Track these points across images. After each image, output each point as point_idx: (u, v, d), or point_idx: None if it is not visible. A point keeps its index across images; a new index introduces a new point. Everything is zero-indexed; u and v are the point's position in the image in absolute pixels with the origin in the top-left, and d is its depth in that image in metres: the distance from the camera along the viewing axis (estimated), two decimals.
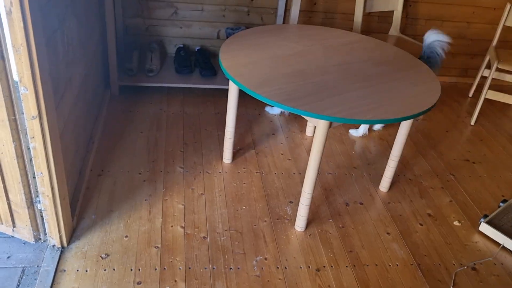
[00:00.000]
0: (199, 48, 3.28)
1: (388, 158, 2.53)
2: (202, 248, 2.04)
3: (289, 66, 2.12)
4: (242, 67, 2.06)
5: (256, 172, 2.51)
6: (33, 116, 1.60)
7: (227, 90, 2.99)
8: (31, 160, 1.74)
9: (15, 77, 1.53)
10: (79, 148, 2.27)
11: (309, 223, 2.21)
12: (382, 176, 2.50)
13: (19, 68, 1.50)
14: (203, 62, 3.16)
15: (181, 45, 3.27)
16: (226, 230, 2.14)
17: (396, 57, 2.36)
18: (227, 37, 3.17)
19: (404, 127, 2.25)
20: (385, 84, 2.06)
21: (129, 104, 3.00)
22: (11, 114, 1.62)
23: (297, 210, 2.20)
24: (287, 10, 3.24)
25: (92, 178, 2.34)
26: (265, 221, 2.21)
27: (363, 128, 2.91)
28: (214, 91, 3.08)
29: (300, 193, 2.38)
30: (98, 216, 2.13)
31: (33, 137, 1.65)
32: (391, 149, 2.80)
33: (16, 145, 1.69)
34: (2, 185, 1.81)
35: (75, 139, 2.16)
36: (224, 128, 2.47)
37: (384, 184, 2.47)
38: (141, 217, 2.16)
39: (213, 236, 2.10)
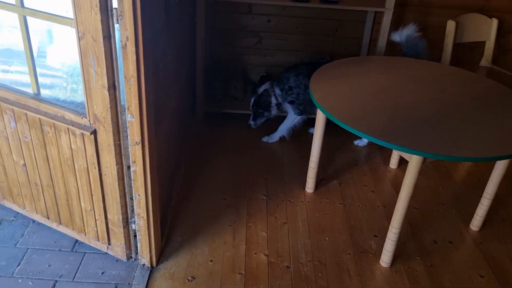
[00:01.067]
0: None
1: (479, 195, 2.40)
2: (285, 277, 2.03)
3: (380, 99, 2.09)
4: (333, 99, 2.07)
5: (339, 203, 2.48)
6: (136, 142, 1.69)
7: (310, 119, 3.00)
8: (130, 182, 1.83)
9: (124, 105, 1.64)
10: (168, 171, 2.37)
11: (395, 259, 2.13)
12: (472, 213, 2.38)
13: (128, 97, 1.60)
14: None
15: (264, 74, 3.34)
16: (309, 261, 2.12)
17: (492, 90, 2.26)
18: None
19: (502, 165, 2.14)
20: (481, 119, 1.98)
21: (213, 129, 3.09)
22: (117, 139, 1.72)
23: (382, 244, 2.14)
24: (371, 39, 3.23)
25: (179, 201, 2.42)
26: (349, 253, 2.17)
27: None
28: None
29: (385, 227, 2.31)
30: (184, 239, 2.20)
31: (134, 161, 1.75)
32: (481, 184, 2.66)
33: (118, 168, 1.79)
34: (102, 205, 1.92)
35: (166, 163, 2.26)
36: (306, 157, 2.47)
37: (476, 223, 2.34)
38: (226, 242, 2.19)
39: (297, 266, 2.09)
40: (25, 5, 1.68)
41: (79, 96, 2.64)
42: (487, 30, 3.09)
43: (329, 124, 2.23)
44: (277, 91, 2.86)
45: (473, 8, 3.14)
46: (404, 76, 2.34)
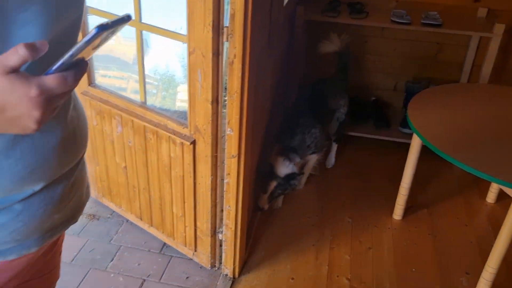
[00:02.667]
0: (374, 98, 3.28)
1: None
2: None
3: (485, 130, 1.99)
4: (432, 126, 2.00)
5: (429, 234, 2.37)
6: (233, 155, 1.74)
7: (399, 143, 2.91)
8: (222, 193, 1.89)
9: (224, 120, 1.70)
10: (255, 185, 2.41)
11: None
12: None
13: (229, 111, 1.66)
14: (377, 112, 3.14)
15: (356, 95, 3.30)
16: None
17: None
18: (406, 91, 3.11)
19: None
20: None
21: None
22: (214, 151, 1.79)
23: (474, 282, 2.01)
24: (474, 65, 3.07)
25: (263, 215, 2.44)
26: None
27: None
28: (386, 143, 3.02)
29: (478, 265, 2.17)
30: (266, 253, 2.22)
31: (229, 173, 1.80)
32: None
33: (212, 178, 1.85)
34: (193, 212, 1.99)
35: (256, 174, 2.30)
36: (395, 181, 2.40)
37: None
38: (308, 262, 2.18)
39: None
40: (143, 21, 1.81)
41: (168, 104, 2.78)
42: None
43: (422, 148, 2.15)
44: (297, 159, 2.36)
45: None
46: (510, 106, 2.21)
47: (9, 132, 0.65)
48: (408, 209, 2.51)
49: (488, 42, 2.69)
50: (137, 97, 2.02)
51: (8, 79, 0.59)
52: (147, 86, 2.13)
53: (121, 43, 2.34)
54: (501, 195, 2.59)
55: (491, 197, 2.62)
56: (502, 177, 1.65)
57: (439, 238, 2.35)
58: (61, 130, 0.81)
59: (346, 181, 2.77)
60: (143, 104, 1.99)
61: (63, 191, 0.86)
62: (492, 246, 2.28)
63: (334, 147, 2.86)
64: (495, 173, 1.67)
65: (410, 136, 2.27)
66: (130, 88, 3.29)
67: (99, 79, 2.20)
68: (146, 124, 1.93)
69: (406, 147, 2.29)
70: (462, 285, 2.08)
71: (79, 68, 0.64)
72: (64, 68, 0.62)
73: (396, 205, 2.43)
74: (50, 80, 0.61)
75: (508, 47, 3.00)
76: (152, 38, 2.77)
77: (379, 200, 2.60)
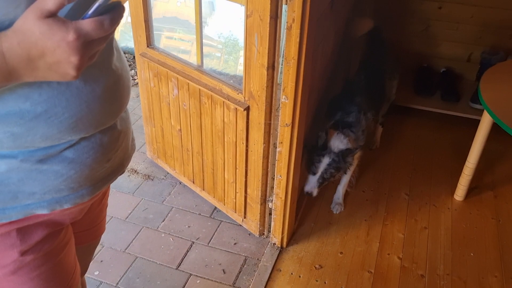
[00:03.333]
0: (444, 69, 3.07)
1: None
2: (418, 286, 1.90)
3: None
4: (506, 104, 1.83)
5: (492, 218, 2.22)
6: (286, 124, 1.69)
7: (468, 119, 2.72)
8: (274, 162, 1.85)
9: (280, 86, 1.64)
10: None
11: None
12: None
13: (285, 79, 1.60)
14: (447, 85, 2.94)
15: (425, 65, 3.10)
16: (448, 274, 1.95)
17: None
18: (481, 63, 2.89)
19: None
20: None
21: None
22: (268, 119, 1.74)
23: None
24: None
25: None
26: (496, 276, 1.95)
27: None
28: (453, 118, 2.83)
29: None
30: (316, 226, 2.18)
31: (281, 142, 1.75)
32: None
33: (265, 146, 1.81)
34: (244, 179, 1.97)
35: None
36: (460, 160, 2.25)
37: None
38: (358, 237, 2.12)
39: (432, 277, 1.94)
40: None
41: (230, 68, 2.73)
42: None
43: (492, 126, 1.99)
44: (352, 136, 2.05)
45: None
46: None
47: (50, 79, 0.66)
48: (472, 190, 2.36)
49: None
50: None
51: (47, 24, 0.59)
52: (211, 49, 2.10)
53: (188, 5, 2.31)
54: None
55: None
56: None
57: (503, 223, 2.20)
58: (106, 79, 0.81)
59: (406, 156, 2.64)
60: (199, 68, 1.97)
61: (110, 139, 0.87)
62: None
63: (380, 130, 2.66)
64: None
65: (480, 113, 2.10)
66: (193, 51, 3.30)
67: (164, 41, 2.20)
68: (201, 88, 1.90)
69: (475, 123, 2.13)
70: None
71: (116, 12, 0.63)
72: (100, 12, 0.61)
73: (459, 185, 2.29)
74: (87, 24, 0.61)
75: None
76: (217, 1, 2.71)
77: (441, 178, 2.46)
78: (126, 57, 3.48)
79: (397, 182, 2.44)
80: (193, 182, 2.32)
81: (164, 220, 2.21)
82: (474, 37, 2.98)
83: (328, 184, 2.08)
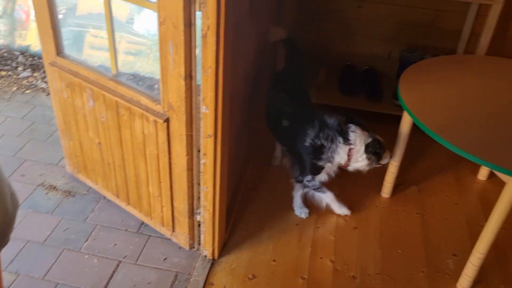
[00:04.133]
0: (367, 67, 3.13)
1: None
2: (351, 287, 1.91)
3: (479, 108, 1.86)
4: (424, 103, 1.87)
5: (417, 213, 2.29)
6: (209, 135, 1.62)
7: (392, 116, 2.78)
8: (199, 174, 1.78)
9: (199, 97, 1.57)
10: (238, 161, 2.30)
11: (474, 285, 1.93)
12: None
13: (204, 88, 1.53)
14: (370, 82, 3.00)
15: (349, 63, 3.15)
16: (378, 274, 1.97)
17: None
18: (400, 60, 2.97)
19: None
20: None
21: None
22: (189, 130, 1.66)
23: (461, 265, 1.94)
24: (472, 34, 2.92)
25: (246, 193, 2.35)
26: (423, 271, 2.00)
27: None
28: (378, 115, 2.89)
29: (466, 246, 2.10)
30: (248, 234, 2.13)
31: (205, 154, 1.68)
32: None
33: (188, 158, 1.74)
34: (169, 192, 1.89)
35: (236, 152, 2.19)
36: None
37: None
38: (291, 242, 2.10)
39: (364, 278, 1.96)
40: None
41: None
42: None
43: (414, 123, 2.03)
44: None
45: None
46: (505, 82, 2.07)
47: None
48: (397, 187, 2.42)
49: (488, 9, 2.53)
50: (128, 58, 1.88)
51: None
52: (140, 47, 1.97)
53: (114, 1, 2.17)
54: (494, 172, 2.50)
55: (483, 174, 2.53)
56: (494, 161, 1.55)
57: (427, 217, 2.27)
58: None
59: None
60: (115, 77, 1.85)
61: None
62: (481, 226, 2.20)
63: None
64: (486, 156, 1.57)
65: (402, 109, 2.14)
66: (121, 49, 3.13)
67: (89, 39, 2.04)
68: (118, 99, 1.79)
69: (399, 119, 2.17)
70: (448, 268, 2.01)
71: None
72: None
73: (385, 183, 2.33)
74: None
75: (508, 15, 2.84)
76: None
77: (368, 177, 2.48)
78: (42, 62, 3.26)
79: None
80: (118, 197, 2.19)
81: (87, 239, 2.08)
82: (393, 35, 3.06)
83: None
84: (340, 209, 2.25)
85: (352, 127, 2.01)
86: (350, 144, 1.99)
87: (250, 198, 2.31)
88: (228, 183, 1.89)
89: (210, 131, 1.61)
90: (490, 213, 1.77)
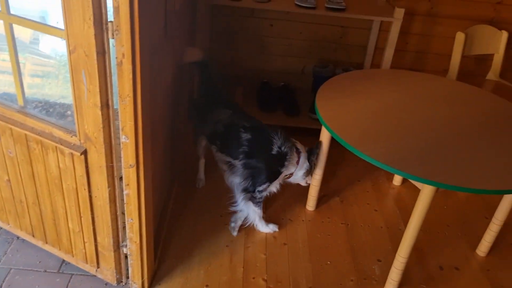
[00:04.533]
0: (283, 84, 3.21)
1: (485, 216, 2.32)
2: None
3: (390, 119, 1.98)
4: (340, 118, 1.95)
5: (341, 223, 2.36)
6: (130, 165, 1.56)
7: (311, 129, 2.87)
8: (123, 206, 1.70)
9: (118, 126, 1.51)
10: (163, 188, 2.24)
11: (399, 287, 2.03)
12: (479, 237, 2.28)
13: (123, 117, 1.47)
14: (286, 99, 3.08)
15: (265, 80, 3.21)
16: (310, 287, 2.01)
17: (509, 113, 2.15)
18: (314, 75, 3.08)
19: None
20: (500, 145, 1.87)
21: None
22: (109, 161, 1.59)
23: (386, 270, 2.04)
24: (376, 48, 3.11)
25: (173, 218, 2.29)
26: (352, 280, 2.06)
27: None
28: (297, 130, 2.97)
29: (389, 251, 2.21)
30: (178, 260, 2.07)
31: (128, 184, 1.62)
32: (486, 204, 2.57)
33: (110, 190, 1.66)
34: (91, 227, 1.79)
35: (160, 180, 2.13)
36: None
37: (483, 248, 2.25)
38: (222, 265, 2.07)
39: None
40: (16, 10, 1.54)
41: (69, 86, 2.49)
42: (496, 42, 2.99)
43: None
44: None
45: (483, 19, 3.03)
46: (411, 93, 2.23)
47: None
48: (321, 199, 2.49)
49: (389, 25, 2.71)
50: (35, 81, 1.75)
51: None
52: (48, 69, 1.84)
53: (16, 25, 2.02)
54: None
55: (397, 180, 2.68)
56: (408, 170, 1.64)
57: (351, 226, 2.35)
58: None
59: None
60: (23, 109, 1.73)
61: None
62: (400, 230, 2.35)
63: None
64: (399, 166, 1.66)
65: (319, 122, 2.20)
66: (27, 72, 2.92)
67: None
68: (28, 133, 1.67)
69: (316, 132, 2.24)
70: (375, 274, 2.10)
71: None
72: None
73: (309, 196, 2.39)
74: None
75: (407, 29, 3.06)
76: (51, 14, 2.41)
77: (293, 191, 2.55)
78: None
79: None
80: (33, 236, 2.04)
81: (1, 286, 1.90)
82: (305, 52, 3.18)
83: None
84: (266, 228, 2.27)
85: (297, 142, 2.19)
86: (299, 152, 2.15)
87: (177, 224, 2.26)
88: (154, 212, 1.83)
89: (132, 161, 1.56)
90: (407, 216, 1.87)
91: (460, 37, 2.79)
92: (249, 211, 2.21)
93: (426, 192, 1.71)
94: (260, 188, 2.13)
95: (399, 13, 2.61)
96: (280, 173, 2.15)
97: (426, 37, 3.11)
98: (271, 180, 2.14)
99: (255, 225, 2.25)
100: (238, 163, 2.13)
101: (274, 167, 2.12)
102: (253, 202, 2.17)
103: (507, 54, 3.12)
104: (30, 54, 2.65)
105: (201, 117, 2.32)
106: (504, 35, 2.95)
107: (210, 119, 2.23)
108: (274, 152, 2.08)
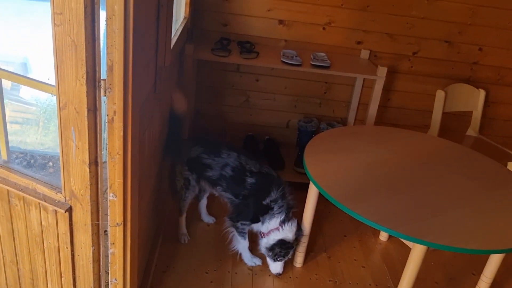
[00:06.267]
0: (268, 137, 3.23)
1: (471, 273, 2.31)
2: None
3: (378, 176, 1.99)
4: (329, 175, 1.95)
5: (329, 280, 2.32)
6: (117, 223, 1.52)
7: (296, 183, 2.87)
8: (106, 264, 1.64)
9: (105, 184, 1.48)
10: (147, 244, 2.18)
11: None
12: None
13: (112, 175, 1.44)
14: (271, 153, 3.09)
15: (250, 133, 3.23)
16: None
17: (491, 169, 2.19)
18: (299, 129, 3.11)
19: None
20: (486, 203, 1.89)
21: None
22: (95, 219, 1.55)
23: None
24: (360, 103, 3.18)
25: (157, 275, 2.21)
26: None
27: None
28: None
29: None
30: None
31: (113, 243, 1.57)
32: (472, 259, 2.56)
33: (94, 249, 1.60)
34: None
35: (146, 237, 2.07)
36: None
37: None
38: None
39: None
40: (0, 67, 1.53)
41: (51, 134, 2.43)
42: (474, 100, 3.09)
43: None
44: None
45: (460, 78, 3.15)
46: (396, 149, 2.26)
47: None
48: (308, 255, 2.44)
49: (373, 82, 2.78)
50: (13, 128, 1.70)
51: None
52: (28, 115, 1.81)
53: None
54: None
55: (384, 235, 2.67)
56: (399, 229, 1.63)
57: (339, 283, 2.30)
58: None
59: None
60: (6, 164, 1.68)
61: None
62: (388, 287, 2.31)
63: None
64: (389, 224, 1.65)
65: (305, 176, 2.20)
66: (7, 118, 2.87)
67: None
68: (10, 188, 1.62)
69: (302, 187, 2.23)
70: None
71: None
72: None
73: (297, 253, 2.35)
74: None
75: (389, 86, 3.15)
76: (32, 61, 2.39)
77: None
78: None
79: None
80: None
81: None
82: (289, 106, 3.23)
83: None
84: (250, 260, 2.33)
85: (295, 221, 2.21)
86: (281, 226, 2.16)
87: (161, 281, 2.18)
88: (138, 271, 1.77)
89: (119, 219, 1.51)
90: (395, 272, 1.83)
91: (440, 94, 2.88)
92: (234, 239, 2.30)
93: (417, 251, 1.69)
94: (242, 224, 2.22)
95: (382, 71, 2.69)
96: (258, 220, 2.20)
97: (408, 93, 3.20)
98: (252, 220, 2.21)
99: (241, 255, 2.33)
100: (237, 201, 2.23)
101: (257, 212, 2.19)
102: (236, 231, 2.25)
103: (485, 111, 3.22)
104: (9, 100, 2.61)
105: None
106: (482, 93, 3.06)
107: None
108: (265, 202, 2.15)
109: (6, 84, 3.12)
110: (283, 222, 2.16)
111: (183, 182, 2.35)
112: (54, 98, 1.41)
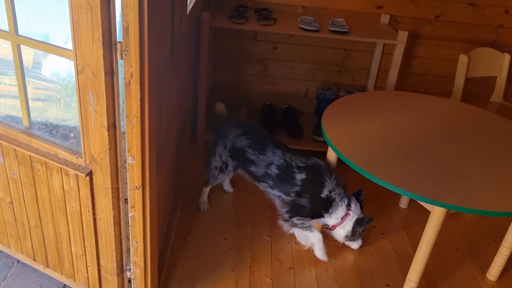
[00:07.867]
0: (286, 106, 3.21)
1: (493, 240, 2.28)
2: None
3: (397, 141, 1.96)
4: (348, 140, 1.93)
5: (347, 247, 2.32)
6: (136, 187, 1.54)
7: (314, 151, 2.86)
8: (127, 229, 1.67)
9: (124, 147, 1.49)
10: (167, 210, 2.21)
11: None
12: (488, 261, 2.24)
13: (130, 138, 1.45)
14: (290, 121, 3.07)
15: (268, 103, 3.21)
16: None
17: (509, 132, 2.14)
18: (317, 98, 3.08)
19: None
20: (507, 166, 1.85)
21: None
22: (115, 182, 1.57)
23: None
24: (379, 70, 3.12)
25: (177, 242, 2.25)
26: None
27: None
28: (301, 152, 2.95)
29: (397, 275, 2.16)
30: (182, 285, 2.03)
31: (133, 206, 1.59)
32: (494, 226, 2.53)
33: (115, 212, 1.63)
34: (95, 250, 1.75)
35: (165, 202, 2.10)
36: None
37: (493, 272, 2.20)
38: None
39: None
40: (20, 33, 1.54)
41: (73, 111, 2.46)
42: (499, 65, 3.00)
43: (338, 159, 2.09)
44: None
45: (484, 42, 3.05)
46: (417, 114, 2.22)
47: None
48: None
49: (393, 48, 2.72)
50: (36, 105, 1.73)
51: None
52: (49, 92, 1.83)
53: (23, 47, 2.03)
54: (412, 200, 2.63)
55: (404, 202, 2.65)
56: (419, 192, 1.62)
57: (358, 250, 2.31)
58: None
59: (263, 197, 2.64)
60: (28, 130, 1.71)
61: None
62: (408, 253, 2.31)
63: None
64: (411, 188, 1.64)
65: (324, 144, 2.18)
66: (29, 96, 2.93)
67: None
68: (32, 154, 1.65)
69: (320, 155, 2.21)
70: None
71: None
72: None
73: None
74: None
75: (410, 52, 3.08)
76: (52, 38, 2.41)
77: None
78: None
79: (257, 224, 2.42)
80: (34, 260, 1.99)
81: None
82: (308, 74, 3.19)
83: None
84: (321, 253, 2.19)
85: (353, 198, 2.14)
86: (350, 209, 2.09)
87: (181, 247, 2.22)
88: (158, 235, 1.80)
89: (138, 182, 1.53)
90: (414, 239, 1.83)
91: (463, 59, 2.80)
92: (300, 235, 2.24)
93: (436, 214, 1.68)
94: (298, 219, 2.10)
95: (403, 36, 2.62)
96: (322, 216, 2.11)
97: (429, 59, 3.12)
98: (311, 216, 2.11)
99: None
100: (289, 199, 2.13)
101: (317, 207, 2.09)
102: (297, 227, 2.13)
103: (510, 77, 3.12)
104: (31, 78, 2.65)
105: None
106: (507, 57, 2.97)
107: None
108: (323, 195, 2.06)
109: (27, 62, 3.16)
110: (349, 205, 2.09)
111: (220, 163, 2.31)
112: (74, 76, 1.42)
